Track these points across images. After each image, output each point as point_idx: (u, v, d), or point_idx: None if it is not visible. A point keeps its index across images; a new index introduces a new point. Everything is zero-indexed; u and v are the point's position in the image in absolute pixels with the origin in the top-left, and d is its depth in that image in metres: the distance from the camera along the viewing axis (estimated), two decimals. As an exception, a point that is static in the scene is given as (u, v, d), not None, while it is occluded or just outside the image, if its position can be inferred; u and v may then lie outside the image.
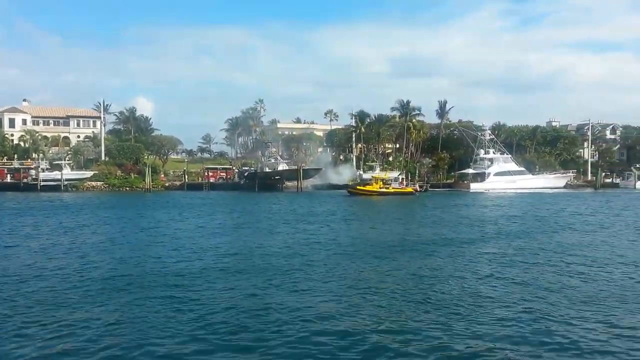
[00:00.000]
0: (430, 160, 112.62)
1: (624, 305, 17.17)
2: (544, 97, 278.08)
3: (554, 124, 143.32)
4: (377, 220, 46.06)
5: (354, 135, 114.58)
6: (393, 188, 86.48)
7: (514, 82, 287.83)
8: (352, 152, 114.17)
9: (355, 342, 13.65)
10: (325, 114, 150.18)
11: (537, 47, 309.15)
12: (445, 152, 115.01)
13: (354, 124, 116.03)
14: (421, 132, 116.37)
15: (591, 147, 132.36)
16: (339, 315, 15.85)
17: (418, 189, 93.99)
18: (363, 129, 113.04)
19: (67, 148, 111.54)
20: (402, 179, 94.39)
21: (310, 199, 74.99)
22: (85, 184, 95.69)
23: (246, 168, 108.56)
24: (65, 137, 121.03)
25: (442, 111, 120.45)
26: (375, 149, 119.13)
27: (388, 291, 18.91)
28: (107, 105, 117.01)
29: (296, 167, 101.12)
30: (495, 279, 21.00)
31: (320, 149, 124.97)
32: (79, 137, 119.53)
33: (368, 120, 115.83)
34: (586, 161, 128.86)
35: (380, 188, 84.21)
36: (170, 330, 14.50)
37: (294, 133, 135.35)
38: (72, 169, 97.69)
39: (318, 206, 61.22)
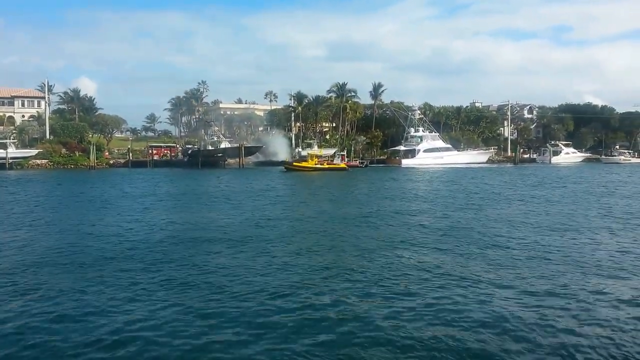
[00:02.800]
0: (365, 138, 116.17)
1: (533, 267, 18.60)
2: (468, 80, 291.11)
3: (477, 104, 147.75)
4: (321, 195, 47.37)
5: (292, 115, 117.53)
6: (327, 164, 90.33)
7: (440, 67, 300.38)
8: (291, 131, 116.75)
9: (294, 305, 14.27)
10: (266, 94, 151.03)
11: (461, 35, 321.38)
12: (379, 130, 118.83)
13: (292, 105, 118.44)
14: (356, 112, 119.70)
15: (510, 125, 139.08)
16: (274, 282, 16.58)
17: (359, 165, 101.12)
18: (301, 109, 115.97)
19: (12, 127, 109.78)
20: (343, 155, 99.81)
21: (250, 175, 77.28)
22: (30, 162, 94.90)
23: (189, 146, 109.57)
24: (10, 117, 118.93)
25: (375, 93, 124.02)
26: (313, 127, 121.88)
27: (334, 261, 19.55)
28: (51, 85, 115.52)
29: (238, 145, 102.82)
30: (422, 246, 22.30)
31: (261, 128, 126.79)
32: (23, 116, 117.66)
33: (306, 101, 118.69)
34: (506, 139, 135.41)
35: (315, 164, 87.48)
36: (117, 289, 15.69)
37: (235, 113, 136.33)
38: (16, 147, 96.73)
39: (258, 182, 62.85)
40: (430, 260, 19.69)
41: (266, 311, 13.92)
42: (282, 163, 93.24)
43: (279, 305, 14.36)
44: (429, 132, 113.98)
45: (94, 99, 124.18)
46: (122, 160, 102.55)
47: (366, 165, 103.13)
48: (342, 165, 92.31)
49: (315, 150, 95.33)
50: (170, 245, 22.80)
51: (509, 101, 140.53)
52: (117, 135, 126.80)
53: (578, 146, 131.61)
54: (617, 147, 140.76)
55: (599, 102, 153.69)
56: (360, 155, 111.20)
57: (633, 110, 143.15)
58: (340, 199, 43.76)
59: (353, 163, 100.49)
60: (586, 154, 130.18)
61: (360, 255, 20.63)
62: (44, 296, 15.26)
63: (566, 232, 25.98)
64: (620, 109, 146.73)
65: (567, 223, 29.10)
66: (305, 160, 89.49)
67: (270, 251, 21.51)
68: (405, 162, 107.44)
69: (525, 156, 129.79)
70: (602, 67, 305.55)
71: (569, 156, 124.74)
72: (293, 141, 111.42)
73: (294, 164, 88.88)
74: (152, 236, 24.99)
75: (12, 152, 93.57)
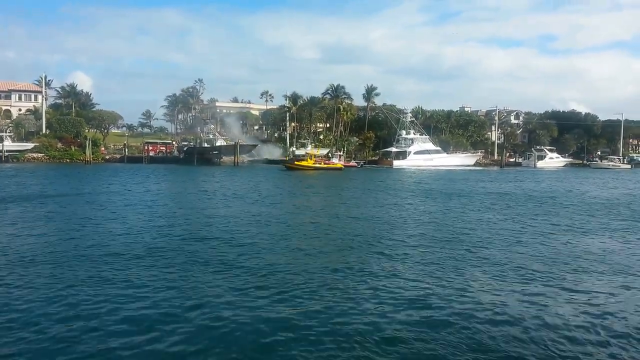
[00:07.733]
0: (358, 139, 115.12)
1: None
2: (458, 84, 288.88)
3: (466, 109, 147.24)
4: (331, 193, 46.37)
5: (287, 115, 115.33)
6: (324, 163, 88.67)
7: (431, 71, 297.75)
8: (286, 131, 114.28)
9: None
10: (262, 94, 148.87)
11: (452, 41, 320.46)
12: (371, 132, 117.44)
13: (287, 105, 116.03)
14: (350, 113, 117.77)
15: (498, 130, 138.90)
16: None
17: (356, 165, 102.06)
18: (296, 110, 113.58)
19: (8, 121, 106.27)
20: (341, 155, 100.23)
21: (249, 173, 74.78)
22: (26, 156, 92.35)
23: (185, 143, 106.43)
24: (7, 110, 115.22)
25: (368, 95, 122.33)
26: (308, 128, 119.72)
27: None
28: (48, 80, 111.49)
29: (233, 143, 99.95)
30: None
31: (256, 127, 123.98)
32: (20, 110, 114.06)
33: (301, 101, 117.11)
34: (493, 143, 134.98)
35: (313, 163, 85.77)
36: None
37: (231, 111, 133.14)
38: (13, 140, 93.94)
39: (264, 179, 61.09)
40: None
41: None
42: (279, 162, 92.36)
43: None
44: (420, 135, 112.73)
45: (91, 94, 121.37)
46: (118, 156, 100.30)
47: (362, 166, 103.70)
48: (339, 165, 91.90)
49: (311, 150, 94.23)
50: (178, 242, 21.18)
51: (496, 107, 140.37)
52: (113, 131, 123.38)
53: (561, 152, 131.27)
54: (599, 153, 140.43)
55: (582, 109, 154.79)
56: (353, 156, 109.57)
57: (615, 118, 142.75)
58: (343, 197, 42.39)
59: (351, 163, 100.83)
60: (569, 159, 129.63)
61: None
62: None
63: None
64: (602, 116, 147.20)
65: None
66: (304, 159, 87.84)
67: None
68: (397, 163, 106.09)
69: (511, 160, 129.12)
70: (585, 76, 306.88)
71: (552, 161, 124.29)
72: (287, 140, 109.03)
73: (295, 162, 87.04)
74: (158, 232, 23.59)
75: (8, 145, 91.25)
